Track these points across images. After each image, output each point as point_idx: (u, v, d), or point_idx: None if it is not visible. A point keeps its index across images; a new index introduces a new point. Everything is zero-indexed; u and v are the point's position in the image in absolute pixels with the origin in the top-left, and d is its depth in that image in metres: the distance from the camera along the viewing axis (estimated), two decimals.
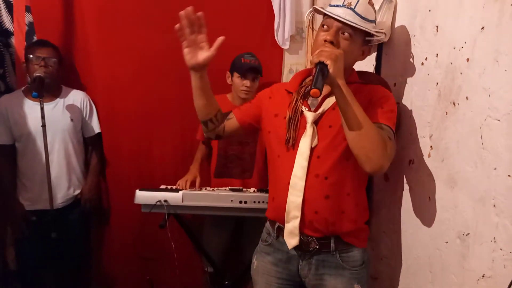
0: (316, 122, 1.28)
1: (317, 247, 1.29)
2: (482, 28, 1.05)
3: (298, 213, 1.27)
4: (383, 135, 1.19)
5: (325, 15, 1.28)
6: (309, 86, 1.29)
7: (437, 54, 1.26)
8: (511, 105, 0.95)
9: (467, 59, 1.11)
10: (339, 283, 1.30)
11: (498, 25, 1.00)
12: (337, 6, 1.26)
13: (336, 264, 1.30)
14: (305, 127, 1.29)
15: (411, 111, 1.42)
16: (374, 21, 1.32)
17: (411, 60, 1.42)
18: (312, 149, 1.27)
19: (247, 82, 2.08)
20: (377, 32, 1.30)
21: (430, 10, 1.32)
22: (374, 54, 1.70)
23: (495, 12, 1.01)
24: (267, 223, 1.45)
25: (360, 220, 1.34)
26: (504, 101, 0.97)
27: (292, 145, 1.29)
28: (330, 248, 1.29)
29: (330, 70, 1.10)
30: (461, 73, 1.14)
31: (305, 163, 1.26)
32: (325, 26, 1.27)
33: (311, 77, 1.26)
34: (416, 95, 1.38)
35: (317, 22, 1.98)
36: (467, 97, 1.11)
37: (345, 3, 1.25)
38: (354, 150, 1.18)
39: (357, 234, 1.32)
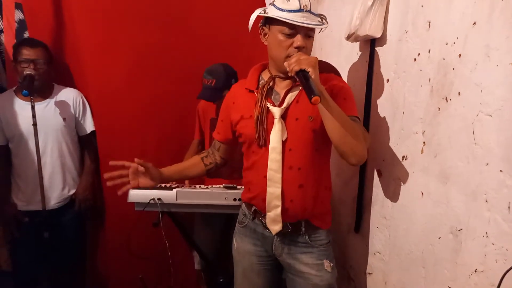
0: (283, 117, 1.37)
1: (289, 230, 1.43)
2: (474, 23, 1.05)
3: (279, 203, 1.39)
4: (361, 128, 1.30)
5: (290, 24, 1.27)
6: (273, 88, 1.40)
7: (429, 50, 1.26)
8: (502, 101, 0.95)
9: (459, 55, 1.11)
10: (309, 258, 1.44)
11: (489, 20, 1.00)
12: (296, 11, 1.26)
13: (306, 244, 1.44)
14: (273, 123, 1.37)
15: (403, 107, 1.42)
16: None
17: (403, 56, 1.42)
18: (283, 143, 1.36)
19: None
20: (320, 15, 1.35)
21: (422, 6, 1.31)
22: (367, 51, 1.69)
23: (486, 7, 1.01)
24: (243, 205, 1.55)
25: (326, 200, 1.48)
26: (495, 97, 0.97)
27: (264, 142, 1.38)
28: (301, 231, 1.43)
29: (312, 77, 1.17)
30: (453, 68, 1.14)
31: (279, 157, 1.36)
32: (287, 30, 1.28)
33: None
34: (408, 91, 1.38)
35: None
36: (459, 92, 1.11)
37: (302, 7, 1.26)
38: (340, 147, 1.27)
39: (323, 217, 1.47)
